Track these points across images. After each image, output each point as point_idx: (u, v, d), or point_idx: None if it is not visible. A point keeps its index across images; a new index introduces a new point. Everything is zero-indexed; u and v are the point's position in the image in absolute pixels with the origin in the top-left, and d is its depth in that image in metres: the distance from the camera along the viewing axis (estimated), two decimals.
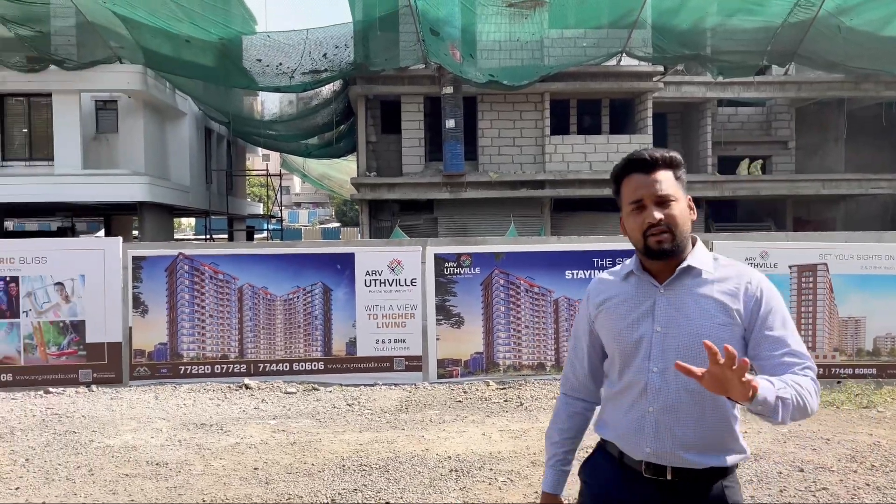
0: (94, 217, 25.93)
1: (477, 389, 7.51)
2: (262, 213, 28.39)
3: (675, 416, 1.78)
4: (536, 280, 7.94)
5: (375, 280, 7.77)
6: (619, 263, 2.17)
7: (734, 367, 1.48)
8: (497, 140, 17.95)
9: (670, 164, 1.85)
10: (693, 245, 1.87)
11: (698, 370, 1.54)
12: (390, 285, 7.78)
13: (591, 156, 17.92)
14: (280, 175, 25.32)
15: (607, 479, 1.91)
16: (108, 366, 7.56)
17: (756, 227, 19.42)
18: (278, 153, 27.64)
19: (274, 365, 7.72)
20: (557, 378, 7.85)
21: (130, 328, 7.59)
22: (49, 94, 17.13)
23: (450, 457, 5.27)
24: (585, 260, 7.95)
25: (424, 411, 6.70)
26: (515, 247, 8.03)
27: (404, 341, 7.81)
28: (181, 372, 7.62)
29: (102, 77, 16.89)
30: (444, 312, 7.86)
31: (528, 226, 17.77)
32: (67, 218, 24.60)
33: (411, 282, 7.80)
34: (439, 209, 17.75)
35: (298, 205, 55.60)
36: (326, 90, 18.72)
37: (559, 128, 18.31)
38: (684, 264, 1.84)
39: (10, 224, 30.64)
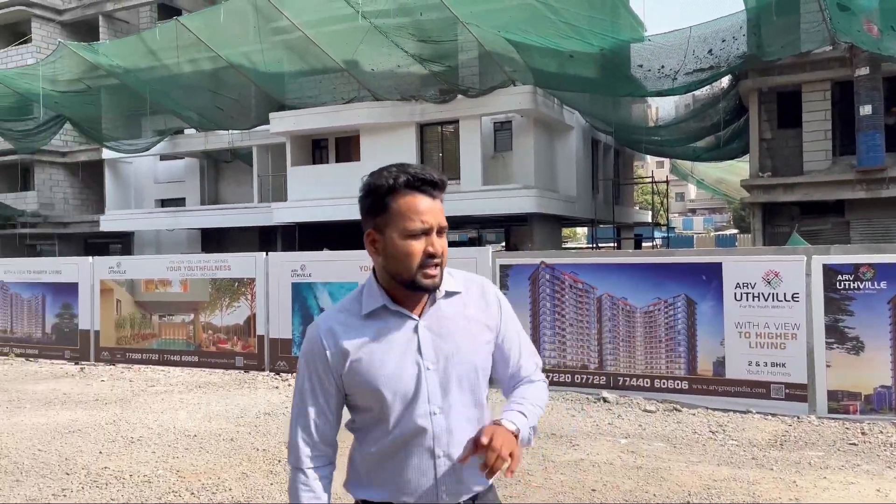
0: (497, 228, 28.56)
1: (881, 432, 6.10)
2: (650, 221, 27.91)
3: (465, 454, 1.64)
4: None
5: (747, 294, 6.87)
6: None
7: (501, 443, 1.55)
8: None
9: (444, 190, 1.67)
10: None
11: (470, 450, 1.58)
12: (766, 300, 6.80)
13: None
14: (667, 181, 24.57)
15: None
16: None
17: None
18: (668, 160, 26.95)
19: (634, 380, 7.37)
20: None
21: None
22: (456, 121, 19.40)
23: None
24: None
25: (804, 451, 5.66)
26: None
27: (784, 365, 6.75)
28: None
29: (498, 100, 18.49)
30: (836, 334, 6.58)
31: None
32: (475, 229, 27.57)
33: (792, 297, 6.70)
34: (851, 211, 15.17)
35: (693, 211, 53.40)
36: (713, 88, 17.53)
37: None
38: (441, 292, 1.69)
39: None
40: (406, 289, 1.66)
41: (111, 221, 26.16)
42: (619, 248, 24.63)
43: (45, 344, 11.04)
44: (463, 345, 1.70)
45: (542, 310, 7.80)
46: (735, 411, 6.83)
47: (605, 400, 7.28)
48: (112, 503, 4.65)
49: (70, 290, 10.83)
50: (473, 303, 1.75)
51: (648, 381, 7.29)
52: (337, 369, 1.68)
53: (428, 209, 1.63)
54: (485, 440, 1.54)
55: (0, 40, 29.66)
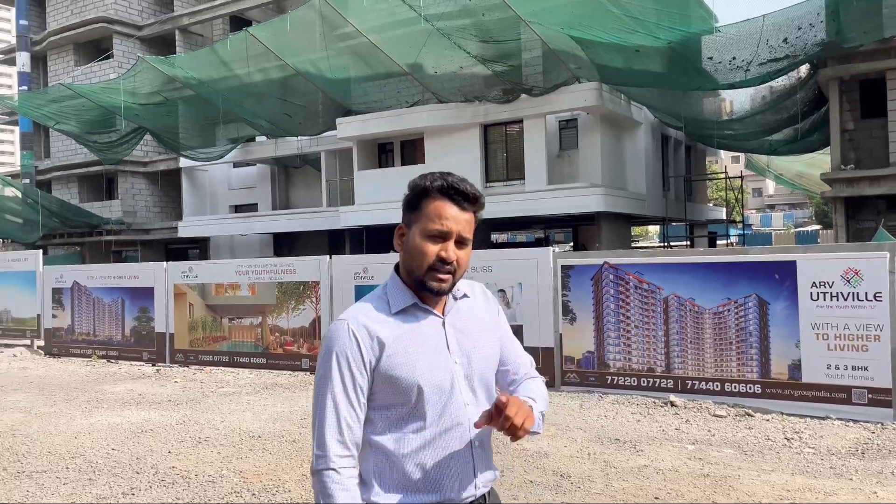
0: (565, 228, 28.20)
1: None
2: (724, 217, 26.95)
3: (487, 443, 1.80)
4: None
5: (824, 293, 6.51)
6: None
7: (517, 410, 1.62)
8: None
9: (481, 207, 1.75)
10: None
11: (487, 416, 1.65)
12: (845, 299, 6.42)
13: None
14: (741, 176, 23.67)
15: None
16: (542, 370, 7.89)
17: None
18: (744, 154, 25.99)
19: (703, 383, 7.09)
20: None
21: (560, 335, 7.87)
22: (520, 121, 19.24)
23: None
24: None
25: (887, 460, 5.31)
26: None
27: (866, 369, 6.36)
28: (608, 382, 7.58)
29: (563, 98, 18.23)
30: None
31: None
32: (542, 229, 27.30)
33: (874, 296, 6.31)
34: None
35: (772, 207, 51.29)
36: (789, 78, 16.78)
37: None
38: (459, 293, 1.80)
39: (502, 237, 35.52)
40: (417, 287, 1.73)
41: (188, 227, 27.16)
42: (691, 246, 23.89)
43: (125, 346, 11.52)
44: (480, 342, 1.80)
45: (606, 311, 7.60)
46: (812, 417, 6.49)
47: (672, 404, 7.04)
48: (177, 502, 4.77)
49: (147, 294, 11.26)
50: (481, 305, 1.87)
51: (718, 384, 7.00)
52: (371, 363, 1.68)
53: (452, 217, 1.70)
54: (503, 400, 1.62)
55: (84, 57, 31.24)
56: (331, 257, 9.81)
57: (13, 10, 31.92)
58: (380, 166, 22.57)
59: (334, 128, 21.78)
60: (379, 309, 1.73)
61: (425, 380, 1.68)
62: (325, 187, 24.63)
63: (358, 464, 1.70)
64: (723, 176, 24.86)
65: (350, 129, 21.38)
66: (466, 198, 1.71)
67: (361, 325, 1.69)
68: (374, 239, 21.92)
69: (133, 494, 4.94)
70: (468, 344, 1.77)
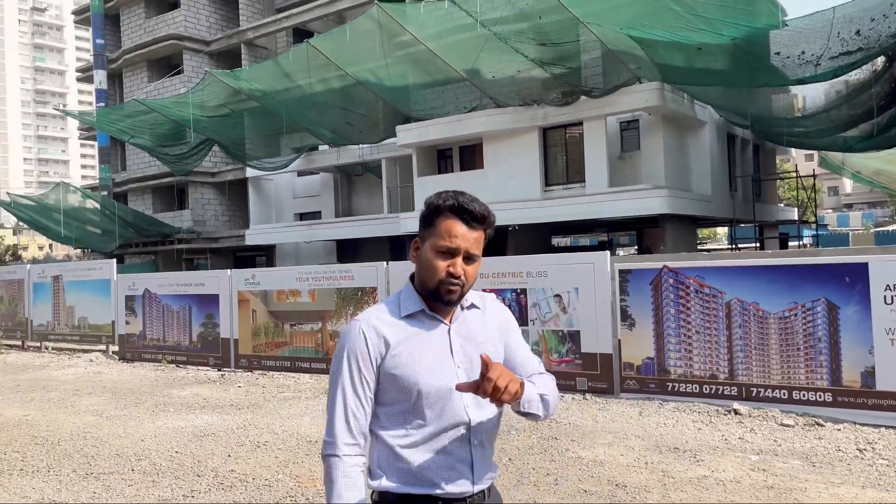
0: (629, 231, 27.67)
1: None
2: (796, 218, 25.92)
3: (489, 442, 1.89)
4: None
5: None
6: None
7: (499, 374, 1.68)
8: None
9: (489, 225, 1.85)
10: None
11: (472, 383, 1.71)
12: None
13: None
14: (814, 175, 22.73)
15: None
16: (600, 376, 7.83)
17: None
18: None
19: (769, 391, 6.81)
20: None
21: (619, 340, 7.70)
22: (580, 123, 19.00)
23: None
24: None
25: None
26: None
27: None
28: (668, 389, 7.37)
29: (624, 99, 17.92)
30: None
31: None
32: (605, 233, 26.87)
33: None
34: None
35: (849, 206, 49.05)
36: (863, 71, 16.03)
37: None
38: (467, 303, 1.91)
39: (564, 240, 35.14)
40: (429, 296, 1.85)
41: (255, 235, 27.88)
42: (761, 248, 23.09)
43: (192, 351, 11.88)
44: (483, 347, 1.88)
45: (666, 316, 7.40)
46: (887, 427, 6.15)
47: (735, 412, 6.79)
48: None
49: (212, 300, 11.60)
50: (490, 315, 1.97)
51: (785, 392, 6.72)
52: (377, 361, 1.83)
53: (461, 235, 1.82)
54: (485, 358, 1.69)
55: (157, 73, 32.54)
56: (387, 263, 9.88)
57: (90, 30, 33.52)
58: (439, 172, 22.65)
59: (394, 135, 22.00)
60: (390, 312, 1.88)
61: (425, 381, 1.80)
62: (386, 194, 24.89)
63: (365, 452, 1.86)
64: (794, 175, 23.93)
65: (409, 136, 21.56)
66: (475, 217, 1.83)
67: (371, 326, 1.84)
68: None
69: (193, 497, 5.08)
70: (472, 350, 1.86)
